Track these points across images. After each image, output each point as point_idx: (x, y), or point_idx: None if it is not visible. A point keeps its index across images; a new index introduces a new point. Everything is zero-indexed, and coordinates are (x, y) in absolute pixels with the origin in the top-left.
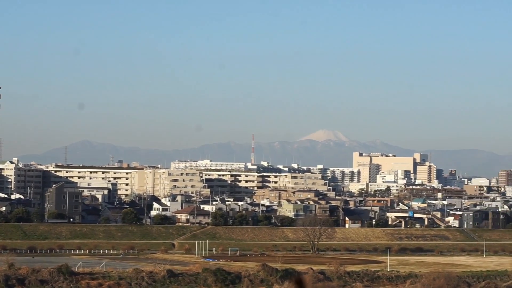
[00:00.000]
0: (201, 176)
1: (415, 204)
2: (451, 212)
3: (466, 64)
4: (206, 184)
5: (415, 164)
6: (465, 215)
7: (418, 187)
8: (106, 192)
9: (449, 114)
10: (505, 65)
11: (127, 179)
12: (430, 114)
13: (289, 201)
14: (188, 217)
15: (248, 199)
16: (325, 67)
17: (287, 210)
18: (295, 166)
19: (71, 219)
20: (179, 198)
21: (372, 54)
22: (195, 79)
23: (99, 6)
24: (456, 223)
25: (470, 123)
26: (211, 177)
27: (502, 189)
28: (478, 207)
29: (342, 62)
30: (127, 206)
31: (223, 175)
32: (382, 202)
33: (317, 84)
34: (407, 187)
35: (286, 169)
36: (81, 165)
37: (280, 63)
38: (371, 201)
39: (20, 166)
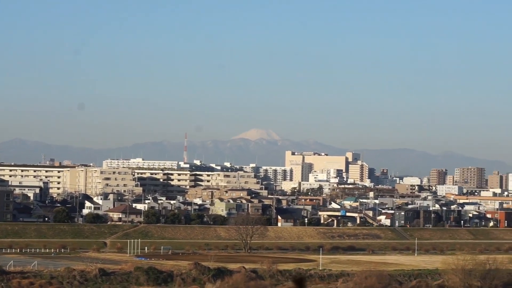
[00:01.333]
0: (134, 175)
1: (347, 203)
2: (383, 211)
3: (399, 62)
4: (139, 183)
5: (348, 163)
6: (397, 213)
7: (350, 186)
8: (37, 190)
9: (382, 114)
10: (440, 65)
11: (59, 177)
12: (363, 113)
13: (221, 199)
14: (121, 216)
15: (180, 198)
16: (256, 66)
17: (220, 208)
18: (227, 165)
19: (2, 218)
20: (111, 196)
21: (305, 51)
22: (126, 78)
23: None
24: (388, 222)
25: (402, 122)
26: (143, 175)
27: (434, 188)
28: (409, 206)
29: (273, 61)
30: (59, 205)
31: (155, 174)
32: (314, 201)
33: (249, 83)
34: (339, 186)
35: (218, 168)
36: (12, 164)
37: (212, 62)
38: (303, 200)
39: None
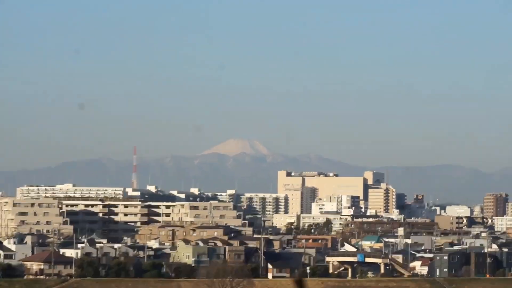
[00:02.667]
0: (61, 208)
1: (366, 244)
2: (418, 254)
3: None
4: (68, 219)
5: (367, 187)
6: (438, 258)
7: (371, 219)
8: None
9: (414, 117)
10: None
11: None
12: (387, 116)
13: (187, 241)
14: (43, 267)
15: (128, 240)
16: (235, 47)
17: (185, 254)
18: (195, 191)
19: None
20: (29, 239)
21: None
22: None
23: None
24: (425, 270)
25: (444, 129)
26: (75, 208)
27: (490, 221)
28: (455, 247)
29: (259, 40)
30: None
31: (92, 206)
32: (320, 241)
33: (225, 78)
34: (355, 219)
35: (182, 196)
36: None
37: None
38: (304, 241)
39: None
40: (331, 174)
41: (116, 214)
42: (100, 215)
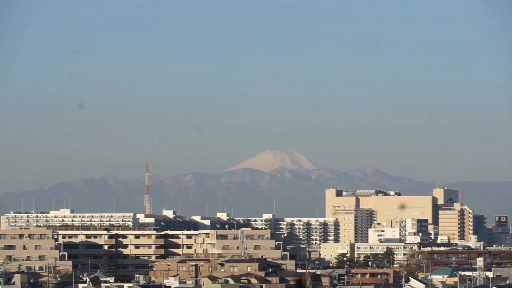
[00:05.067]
0: (56, 239)
1: (437, 279)
2: None
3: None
4: (66, 253)
5: (437, 208)
6: None
7: (442, 248)
8: None
9: (494, 121)
10: None
11: None
12: (459, 119)
13: (214, 279)
14: None
15: (141, 278)
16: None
17: None
18: (222, 216)
19: None
20: (17, 279)
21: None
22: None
23: None
24: None
25: None
26: (74, 240)
27: None
28: None
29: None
30: None
31: (95, 236)
32: (379, 276)
33: (260, 80)
34: (422, 248)
35: (207, 222)
36: None
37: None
38: (359, 276)
39: None
40: (391, 193)
41: (125, 246)
42: (105, 247)
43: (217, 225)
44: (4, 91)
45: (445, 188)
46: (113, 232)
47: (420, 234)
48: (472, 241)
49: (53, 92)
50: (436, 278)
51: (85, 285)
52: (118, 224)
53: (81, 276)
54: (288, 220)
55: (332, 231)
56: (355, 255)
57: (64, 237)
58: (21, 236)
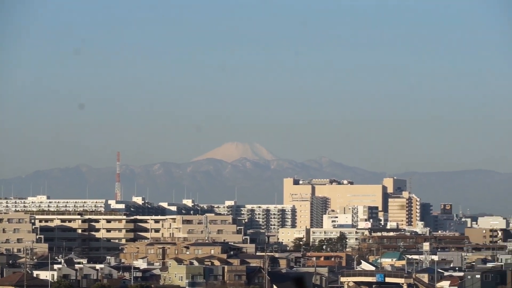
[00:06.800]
0: (34, 223)
1: (386, 262)
2: (446, 273)
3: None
4: (42, 236)
5: (387, 196)
6: (469, 277)
7: (392, 233)
8: None
9: (440, 114)
10: None
11: None
12: (409, 113)
13: (179, 261)
14: None
15: (112, 259)
16: (234, 44)
17: (177, 276)
18: (188, 203)
19: None
20: None
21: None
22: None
23: None
24: None
25: (475, 127)
26: (49, 224)
27: None
28: (489, 264)
29: (260, 27)
30: None
31: (69, 221)
32: (333, 259)
33: (224, 76)
34: (373, 234)
35: (173, 208)
36: None
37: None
38: (314, 259)
39: None
40: (345, 182)
41: (98, 230)
42: (79, 231)
43: (183, 211)
44: None
45: (394, 178)
46: (86, 217)
47: (371, 220)
48: (419, 227)
49: (32, 84)
50: (386, 261)
51: (60, 266)
52: (91, 210)
53: (56, 257)
54: (248, 206)
55: (290, 217)
56: (311, 240)
57: (40, 221)
58: (0, 220)
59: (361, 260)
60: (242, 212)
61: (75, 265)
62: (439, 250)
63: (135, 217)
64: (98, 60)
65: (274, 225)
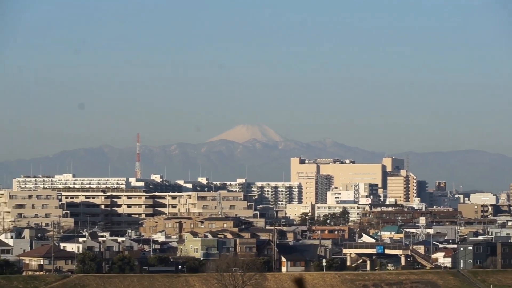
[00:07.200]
0: (60, 199)
1: (386, 235)
2: (441, 245)
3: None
4: (68, 211)
5: (386, 174)
6: (462, 249)
7: (390, 208)
8: None
9: (435, 99)
10: None
11: None
12: (406, 98)
13: (195, 234)
14: (42, 263)
15: (132, 233)
16: (243, 32)
17: (193, 248)
18: (202, 180)
19: None
20: (27, 233)
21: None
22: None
23: None
24: (448, 262)
25: (467, 112)
26: (75, 200)
27: None
28: (481, 237)
29: (269, 22)
30: None
31: (93, 197)
32: (336, 232)
33: (233, 59)
34: (373, 209)
35: (189, 186)
36: None
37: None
38: (319, 232)
39: None
40: (347, 161)
41: (119, 205)
42: (102, 207)
43: (198, 188)
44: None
45: (393, 157)
46: (109, 194)
47: (371, 196)
48: (415, 203)
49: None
50: (385, 234)
51: (84, 239)
52: (113, 187)
53: (81, 231)
54: (258, 184)
55: (296, 194)
56: (316, 214)
57: (66, 198)
58: (30, 197)
59: (362, 233)
60: (253, 189)
61: (99, 238)
62: (434, 224)
63: (153, 193)
64: (126, 47)
65: (282, 201)
